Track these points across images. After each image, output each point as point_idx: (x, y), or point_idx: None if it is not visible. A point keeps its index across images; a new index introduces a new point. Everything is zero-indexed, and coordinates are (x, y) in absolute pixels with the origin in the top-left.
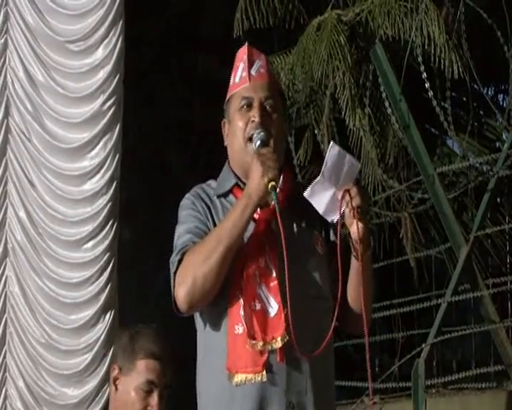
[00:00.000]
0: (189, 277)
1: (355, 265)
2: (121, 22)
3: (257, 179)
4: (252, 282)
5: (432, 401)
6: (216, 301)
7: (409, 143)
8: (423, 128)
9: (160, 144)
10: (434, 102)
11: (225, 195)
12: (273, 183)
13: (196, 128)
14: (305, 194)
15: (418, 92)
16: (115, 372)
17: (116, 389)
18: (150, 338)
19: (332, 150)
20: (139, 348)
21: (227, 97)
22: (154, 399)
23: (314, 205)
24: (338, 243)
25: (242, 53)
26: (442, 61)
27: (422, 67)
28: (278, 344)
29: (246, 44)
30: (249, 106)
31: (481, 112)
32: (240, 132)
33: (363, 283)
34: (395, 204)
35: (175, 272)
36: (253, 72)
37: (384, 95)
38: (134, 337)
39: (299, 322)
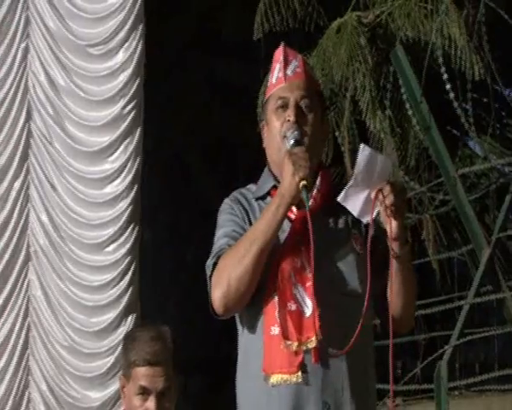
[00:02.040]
0: (224, 279)
1: (394, 264)
2: (141, 26)
3: (288, 179)
4: (287, 282)
5: (454, 403)
6: (253, 303)
7: (430, 145)
8: (444, 130)
9: (180, 147)
10: (455, 104)
11: (263, 197)
12: (304, 182)
13: (216, 131)
14: (339, 199)
15: (439, 94)
16: (122, 381)
17: (124, 396)
18: (143, 345)
19: (363, 152)
20: (133, 356)
21: (265, 99)
22: (151, 404)
23: (348, 208)
24: (368, 245)
25: (279, 54)
26: (463, 63)
27: (443, 69)
28: (313, 344)
29: (282, 45)
30: (285, 106)
31: (503, 113)
32: (276, 133)
33: (403, 280)
34: (417, 206)
35: (210, 276)
36: (288, 72)
37: (405, 97)
38: (128, 346)
39: (333, 321)
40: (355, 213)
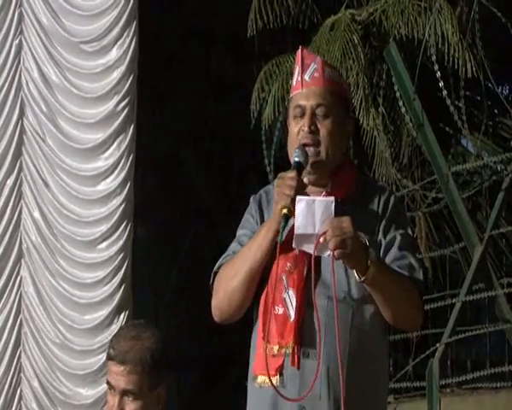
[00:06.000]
0: (220, 291)
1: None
2: (135, 23)
3: (274, 205)
4: (279, 286)
5: (446, 401)
6: (255, 304)
7: (423, 143)
8: (437, 127)
9: (173, 143)
10: (448, 101)
11: None
12: (285, 211)
13: (210, 126)
14: (294, 245)
15: (432, 91)
16: (107, 375)
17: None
18: (117, 341)
19: (299, 204)
20: (109, 349)
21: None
22: (112, 400)
23: (306, 250)
24: (334, 283)
25: (298, 57)
26: (456, 60)
27: (436, 66)
28: (290, 350)
29: (300, 48)
30: (302, 114)
31: (496, 111)
32: (294, 139)
33: (383, 297)
34: (409, 204)
35: (213, 282)
36: (306, 77)
37: (398, 94)
38: (111, 340)
39: (323, 326)
40: (311, 252)
